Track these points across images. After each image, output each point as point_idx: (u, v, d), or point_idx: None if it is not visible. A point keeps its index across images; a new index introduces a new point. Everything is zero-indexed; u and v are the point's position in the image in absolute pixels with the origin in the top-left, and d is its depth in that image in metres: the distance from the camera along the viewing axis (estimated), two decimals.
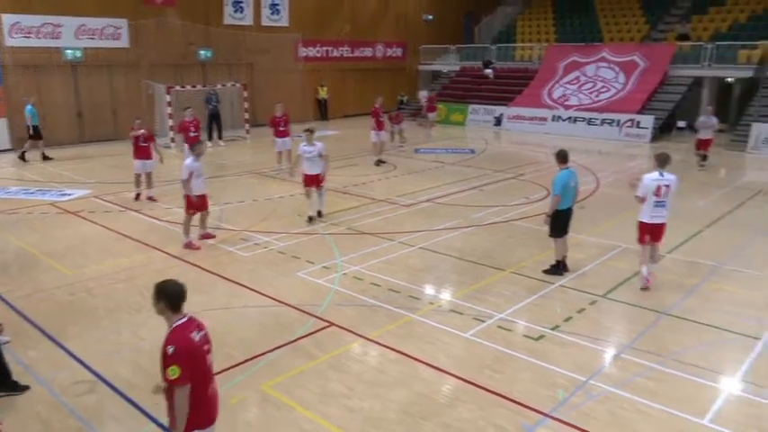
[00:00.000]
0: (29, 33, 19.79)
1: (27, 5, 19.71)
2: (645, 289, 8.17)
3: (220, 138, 21.66)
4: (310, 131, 11.36)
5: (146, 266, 9.25)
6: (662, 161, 7.98)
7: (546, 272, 8.76)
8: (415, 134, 23.28)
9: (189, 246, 10.01)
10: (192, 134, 15.46)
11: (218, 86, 22.64)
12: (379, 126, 17.54)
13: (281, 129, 16.01)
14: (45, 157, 18.33)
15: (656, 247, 8.43)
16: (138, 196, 13.32)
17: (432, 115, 24.65)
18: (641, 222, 8.21)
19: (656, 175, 7.93)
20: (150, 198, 13.34)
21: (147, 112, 21.93)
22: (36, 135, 18.26)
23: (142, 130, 13.16)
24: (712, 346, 6.73)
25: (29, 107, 18.16)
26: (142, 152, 13.12)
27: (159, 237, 10.68)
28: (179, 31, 23.16)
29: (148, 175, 13.36)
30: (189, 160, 9.84)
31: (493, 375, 6.06)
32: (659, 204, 8.02)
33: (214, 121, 21.65)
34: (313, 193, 11.53)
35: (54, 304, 7.88)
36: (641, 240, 8.27)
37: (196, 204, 10.07)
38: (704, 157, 16.77)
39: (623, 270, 8.98)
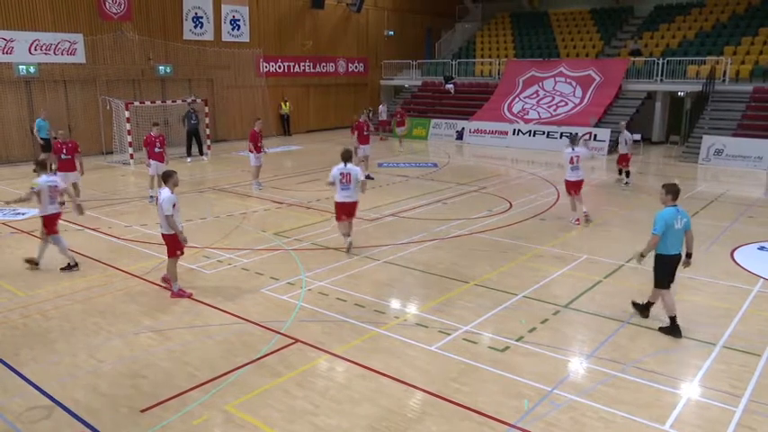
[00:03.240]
0: None
1: None
2: None
3: (201, 152, 21.53)
4: (40, 165, 9.08)
5: (104, 287, 9.00)
6: (346, 157, 10.42)
7: (662, 330, 7.38)
8: (377, 148, 23.37)
9: (181, 294, 8.57)
10: (156, 150, 14.97)
11: (169, 102, 22.42)
12: (364, 140, 17.31)
13: (260, 144, 16.02)
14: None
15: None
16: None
17: (400, 130, 24.78)
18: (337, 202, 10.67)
19: (341, 166, 10.43)
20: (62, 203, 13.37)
21: (105, 128, 21.57)
22: (47, 148, 18.34)
23: (67, 142, 13.52)
24: (671, 352, 6.90)
25: (38, 120, 18.38)
26: (63, 165, 13.30)
27: (118, 256, 10.42)
28: (137, 47, 22.84)
29: (74, 186, 13.41)
30: (167, 191, 8.26)
31: (459, 388, 6.08)
32: (344, 188, 10.43)
33: (194, 137, 21.49)
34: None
35: (6, 327, 7.59)
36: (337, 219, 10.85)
37: (181, 243, 8.47)
38: (627, 174, 16.71)
39: (585, 280, 9.15)
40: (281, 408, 5.75)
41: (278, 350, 6.91)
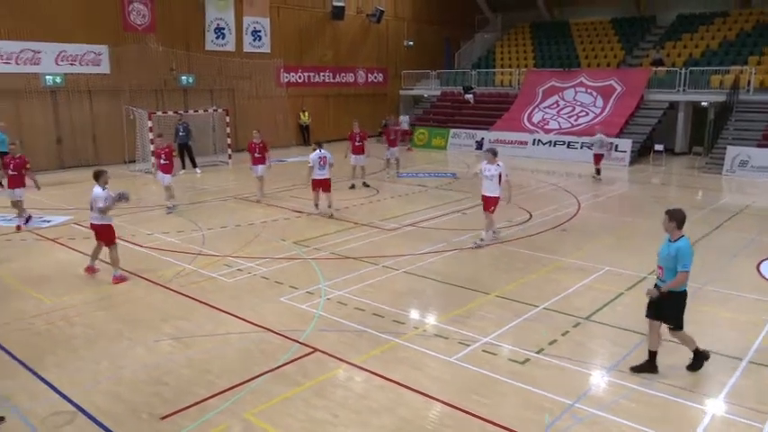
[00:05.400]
0: (8, 60, 19.66)
1: (7, 32, 19.63)
2: None
3: (195, 166, 21.43)
4: None
5: (127, 294, 9.11)
6: (317, 144, 14.10)
7: (635, 369, 6.57)
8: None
9: (122, 278, 9.63)
10: (162, 161, 14.65)
11: (195, 112, 22.55)
12: (357, 150, 17.56)
13: (257, 155, 15.85)
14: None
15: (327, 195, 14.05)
16: (19, 228, 12.98)
17: (390, 152, 24.06)
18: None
19: (317, 152, 13.72)
20: (19, 228, 12.98)
21: (128, 137, 21.88)
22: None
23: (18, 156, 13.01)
24: None
25: None
26: (11, 180, 12.89)
27: (140, 263, 10.54)
28: (160, 57, 23.18)
29: (16, 204, 13.07)
30: (99, 188, 9.42)
31: (479, 400, 6.03)
32: (321, 168, 13.63)
33: (184, 149, 21.41)
34: None
35: (31, 333, 7.71)
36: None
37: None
38: (598, 171, 19.46)
39: (606, 292, 9.04)
40: (301, 417, 5.75)
41: (297, 359, 6.91)
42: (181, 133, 21.28)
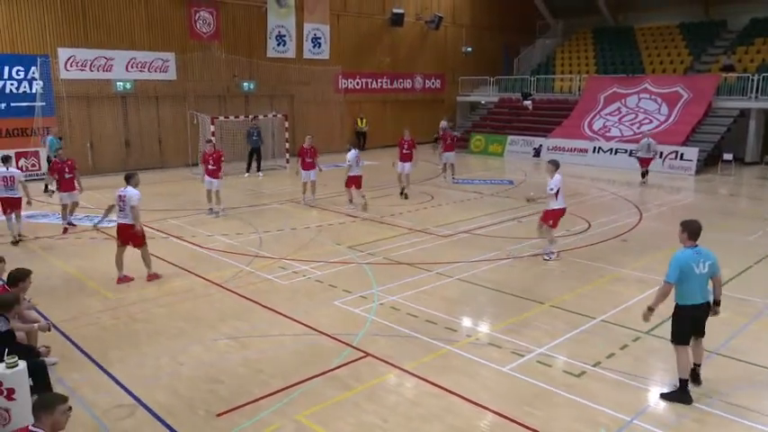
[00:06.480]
0: (83, 67, 20.71)
1: (83, 40, 20.70)
2: None
3: (259, 170, 21.97)
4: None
5: (186, 293, 9.41)
6: (354, 144, 16.62)
7: (665, 396, 6.21)
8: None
9: (157, 276, 9.99)
10: (210, 167, 14.55)
11: (261, 117, 23.07)
12: (404, 157, 17.23)
13: (308, 160, 15.97)
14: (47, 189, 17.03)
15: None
16: (66, 230, 13.24)
17: (446, 156, 23.55)
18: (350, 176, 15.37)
19: (354, 151, 15.31)
20: (71, 224, 13.45)
21: (191, 141, 22.62)
22: None
23: (68, 161, 13.30)
24: (763, 387, 6.44)
25: (50, 138, 18.51)
26: (67, 184, 13.11)
27: (200, 263, 10.87)
28: (223, 64, 23.90)
29: (75, 204, 13.49)
30: (132, 189, 9.70)
31: (532, 412, 5.91)
32: (357, 165, 15.23)
33: (255, 153, 22.01)
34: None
35: (98, 328, 8.06)
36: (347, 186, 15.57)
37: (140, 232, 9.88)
38: (646, 173, 20.05)
39: (668, 306, 8.68)
40: (351, 421, 5.79)
41: (349, 363, 6.96)
42: (254, 137, 21.83)
